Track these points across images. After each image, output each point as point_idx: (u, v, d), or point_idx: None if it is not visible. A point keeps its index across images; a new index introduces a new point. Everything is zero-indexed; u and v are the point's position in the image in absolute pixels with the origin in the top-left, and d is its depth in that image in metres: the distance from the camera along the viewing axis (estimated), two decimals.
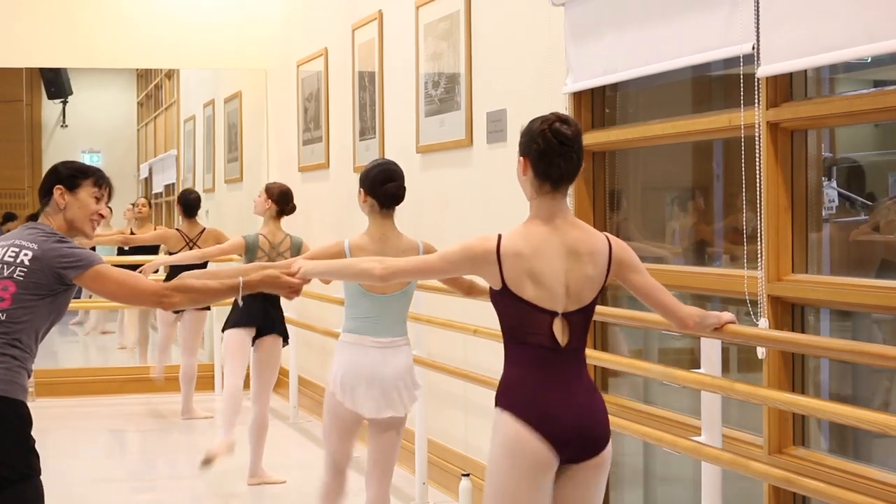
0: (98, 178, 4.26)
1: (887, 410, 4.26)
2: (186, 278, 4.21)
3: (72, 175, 4.23)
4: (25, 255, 4.01)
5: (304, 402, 10.13)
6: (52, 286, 4.00)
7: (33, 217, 4.30)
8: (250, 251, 7.34)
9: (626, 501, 5.93)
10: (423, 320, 6.74)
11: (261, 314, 7.47)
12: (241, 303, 4.10)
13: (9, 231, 15.65)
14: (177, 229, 10.12)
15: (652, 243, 5.80)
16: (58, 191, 4.20)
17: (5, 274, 3.98)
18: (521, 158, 3.70)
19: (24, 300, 3.97)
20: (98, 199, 4.24)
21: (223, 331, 7.73)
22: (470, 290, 5.10)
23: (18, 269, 3.99)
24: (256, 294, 4.21)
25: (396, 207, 5.22)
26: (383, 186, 5.14)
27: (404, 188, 5.20)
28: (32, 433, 3.98)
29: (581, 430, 3.63)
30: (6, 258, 4.01)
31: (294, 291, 4.14)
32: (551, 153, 3.63)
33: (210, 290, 4.12)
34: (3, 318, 3.95)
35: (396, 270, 3.88)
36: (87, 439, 9.64)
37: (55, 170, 4.28)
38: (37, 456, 3.97)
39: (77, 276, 4.01)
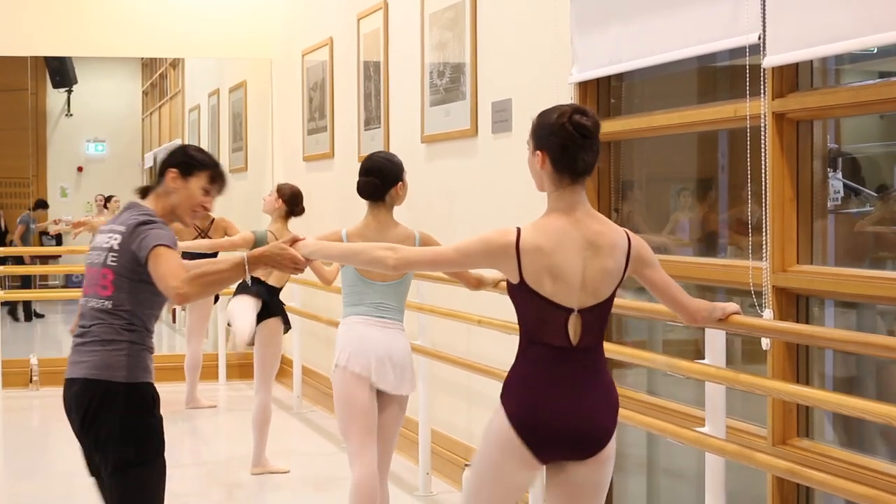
0: (214, 174, 4.19)
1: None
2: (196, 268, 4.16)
3: (189, 162, 4.17)
4: (115, 239, 4.02)
5: (307, 392, 10.13)
6: (136, 269, 3.98)
7: (144, 190, 4.24)
8: (258, 246, 7.35)
9: (629, 492, 5.93)
10: (427, 310, 6.74)
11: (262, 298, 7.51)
12: (248, 281, 3.99)
13: (35, 217, 15.38)
14: None
15: (656, 234, 5.79)
16: (171, 173, 4.16)
17: (103, 261, 4.02)
18: (539, 153, 3.65)
19: (122, 285, 3.99)
20: (206, 192, 4.18)
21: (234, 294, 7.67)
22: (479, 284, 5.13)
23: (111, 254, 4.01)
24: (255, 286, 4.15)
25: (396, 201, 5.34)
26: (359, 178, 5.32)
27: (379, 184, 5.28)
28: (158, 413, 4.07)
29: (574, 432, 3.64)
30: (104, 244, 4.04)
31: (297, 265, 3.94)
32: (574, 147, 3.59)
33: (218, 272, 3.91)
34: (109, 306, 4.00)
35: (410, 261, 3.82)
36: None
37: (176, 151, 4.22)
38: (155, 439, 4.02)
39: (145, 257, 3.94)
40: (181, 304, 4.04)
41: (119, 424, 3.98)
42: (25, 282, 15.98)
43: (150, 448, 4.01)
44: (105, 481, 4.05)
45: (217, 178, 4.19)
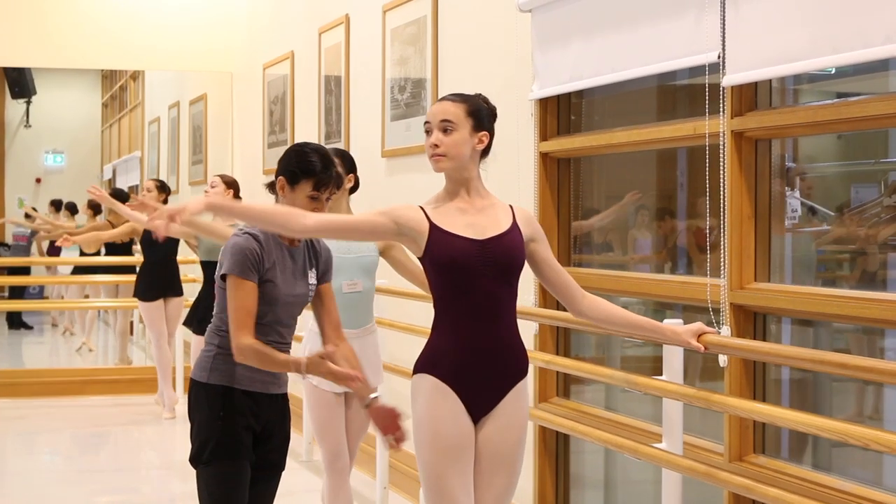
0: (318, 181, 4.07)
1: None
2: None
3: (294, 172, 4.07)
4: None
5: None
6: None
7: (271, 185, 4.22)
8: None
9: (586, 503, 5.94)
10: (385, 324, 6.72)
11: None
12: (304, 377, 4.02)
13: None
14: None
15: (614, 251, 5.81)
16: (279, 182, 4.11)
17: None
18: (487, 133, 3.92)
19: (220, 292, 4.05)
20: (314, 199, 4.06)
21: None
22: None
23: (220, 261, 4.06)
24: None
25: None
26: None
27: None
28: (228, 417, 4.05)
29: None
30: None
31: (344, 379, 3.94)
32: None
33: (273, 357, 3.96)
34: (216, 310, 4.11)
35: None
36: (47, 440, 9.57)
37: (286, 156, 4.14)
38: (216, 440, 4.02)
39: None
40: (235, 356, 3.97)
41: (194, 421, 4.12)
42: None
43: (208, 448, 4.03)
44: None
45: (323, 184, 4.07)
